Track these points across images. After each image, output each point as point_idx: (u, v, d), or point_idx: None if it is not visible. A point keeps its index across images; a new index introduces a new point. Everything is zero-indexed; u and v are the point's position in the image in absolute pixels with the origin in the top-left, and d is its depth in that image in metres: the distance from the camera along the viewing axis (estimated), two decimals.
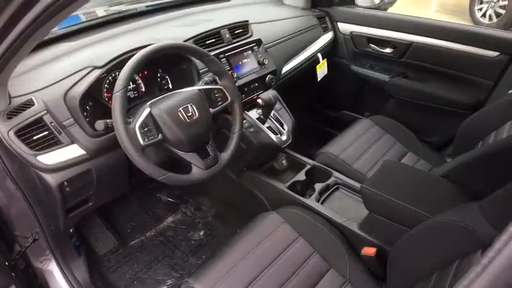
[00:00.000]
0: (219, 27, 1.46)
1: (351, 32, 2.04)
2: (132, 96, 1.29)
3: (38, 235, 1.26)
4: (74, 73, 1.08)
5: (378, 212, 1.22)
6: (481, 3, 4.84)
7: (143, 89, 1.32)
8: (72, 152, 1.07)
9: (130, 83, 1.27)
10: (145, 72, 1.32)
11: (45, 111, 1.02)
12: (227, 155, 1.18)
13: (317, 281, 1.17)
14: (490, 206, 0.83)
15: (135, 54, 1.08)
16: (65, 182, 1.08)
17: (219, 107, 1.18)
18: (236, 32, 1.52)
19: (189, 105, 1.08)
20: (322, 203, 1.45)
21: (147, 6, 1.57)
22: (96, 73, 1.08)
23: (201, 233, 1.74)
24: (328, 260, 1.21)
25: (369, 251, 1.22)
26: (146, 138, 0.99)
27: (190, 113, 1.07)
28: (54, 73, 1.08)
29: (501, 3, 4.61)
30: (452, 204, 1.09)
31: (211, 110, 1.16)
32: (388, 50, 1.96)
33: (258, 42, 1.54)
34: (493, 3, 4.70)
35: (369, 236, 1.26)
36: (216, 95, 1.18)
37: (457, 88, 1.80)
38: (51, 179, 1.05)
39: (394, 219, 1.19)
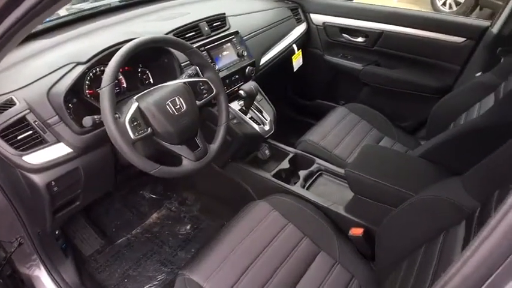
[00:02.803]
0: (198, 21, 1.46)
1: (324, 23, 2.09)
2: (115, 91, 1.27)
3: (23, 239, 1.23)
4: (56, 70, 1.05)
5: (363, 193, 1.28)
6: None
7: (125, 85, 1.30)
8: (58, 150, 1.05)
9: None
10: (126, 68, 1.30)
11: (28, 110, 0.99)
12: (216, 146, 1.19)
13: (308, 264, 1.20)
14: (471, 180, 0.90)
15: (118, 48, 1.07)
16: (53, 182, 1.06)
17: (205, 99, 1.19)
18: (214, 24, 1.52)
19: (176, 98, 1.08)
20: (307, 189, 1.50)
21: (120, 1, 1.55)
22: (80, 69, 1.06)
23: (188, 227, 1.74)
24: (318, 244, 1.25)
25: (357, 231, 1.28)
26: (136, 133, 0.99)
27: (178, 106, 1.08)
28: (34, 70, 1.05)
29: None
30: (433, 182, 1.16)
31: (198, 103, 1.17)
32: (360, 39, 2.03)
33: (236, 34, 1.56)
34: None
35: (355, 218, 1.31)
36: (202, 88, 1.19)
37: (427, 73, 1.90)
38: (38, 179, 1.03)
39: (378, 200, 1.24)
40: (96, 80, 1.18)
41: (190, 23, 1.43)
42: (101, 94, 0.95)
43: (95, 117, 1.02)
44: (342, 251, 1.26)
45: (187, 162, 1.10)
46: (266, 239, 1.24)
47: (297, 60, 2.04)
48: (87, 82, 1.16)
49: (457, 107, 1.59)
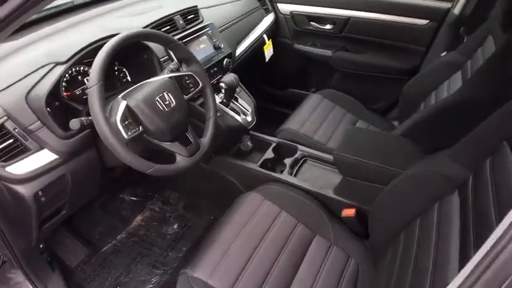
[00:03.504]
0: (172, 14, 1.42)
1: (291, 12, 2.11)
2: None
3: (6, 257, 1.15)
4: (34, 71, 0.98)
5: (352, 175, 1.32)
6: None
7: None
8: (43, 157, 0.99)
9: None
10: None
11: (6, 117, 0.92)
12: (207, 140, 1.17)
13: (305, 249, 1.23)
14: (461, 151, 0.95)
15: (99, 46, 1.02)
16: (40, 192, 0.99)
17: (192, 93, 1.16)
18: (188, 17, 1.49)
19: (164, 93, 1.05)
20: (295, 176, 1.52)
21: None
22: (60, 69, 1.00)
23: (175, 226, 1.71)
24: (312, 228, 1.28)
25: (349, 212, 1.32)
26: (129, 132, 0.95)
27: (168, 102, 1.05)
28: (9, 73, 0.97)
29: None
30: (417, 158, 1.22)
31: (185, 97, 1.14)
32: (328, 27, 2.07)
33: (212, 26, 1.53)
34: None
35: (346, 199, 1.35)
36: (188, 81, 1.16)
37: (394, 56, 1.98)
38: (24, 190, 0.96)
39: (368, 179, 1.29)
40: (74, 81, 1.12)
41: (165, 17, 1.39)
42: (90, 94, 0.90)
43: (82, 119, 0.97)
44: (336, 233, 1.29)
45: (181, 159, 1.07)
46: (262, 229, 1.24)
47: (268, 50, 2.04)
48: (63, 84, 1.10)
49: (426, 86, 1.67)
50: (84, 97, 1.16)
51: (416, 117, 1.43)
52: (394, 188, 1.13)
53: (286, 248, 1.21)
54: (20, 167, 0.94)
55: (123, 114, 0.96)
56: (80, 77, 1.15)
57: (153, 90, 1.04)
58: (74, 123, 0.96)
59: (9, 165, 0.92)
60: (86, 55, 1.07)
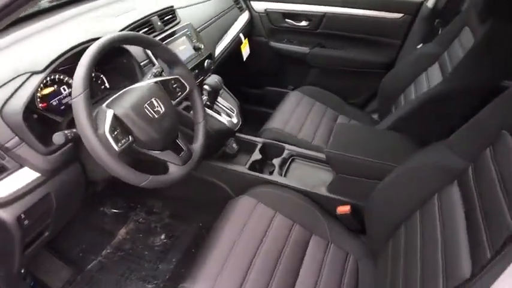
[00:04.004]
0: (149, 15, 1.35)
1: (266, 9, 2.09)
2: (69, 102, 1.12)
3: None
4: (7, 83, 0.89)
5: (346, 171, 1.31)
6: None
7: None
8: (23, 177, 0.90)
9: (66, 88, 1.11)
10: None
11: None
12: (199, 146, 1.12)
13: (304, 249, 1.21)
14: (458, 142, 0.96)
15: (78, 52, 0.95)
16: (23, 214, 0.90)
17: (179, 97, 1.11)
18: (165, 18, 1.43)
19: (153, 99, 0.99)
20: (285, 176, 1.50)
21: (50, 2, 1.36)
22: (37, 79, 0.92)
23: (162, 236, 1.64)
24: (308, 228, 1.26)
25: (344, 209, 1.31)
26: (119, 143, 0.89)
27: (157, 108, 0.99)
28: None
29: None
30: (408, 150, 1.23)
31: (172, 102, 1.09)
32: (303, 23, 2.06)
33: (190, 27, 1.47)
34: None
35: (340, 196, 1.34)
36: (174, 86, 1.10)
37: (371, 50, 2.00)
38: (5, 214, 0.87)
39: (362, 175, 1.29)
40: (48, 91, 1.04)
41: (142, 19, 1.32)
42: (74, 105, 0.83)
43: (66, 132, 0.89)
44: (332, 231, 1.28)
45: (175, 168, 1.02)
46: (259, 233, 1.21)
47: (245, 50, 2.01)
48: (38, 94, 1.01)
49: (404, 79, 1.70)
50: (62, 107, 1.08)
51: (402, 110, 1.45)
52: (390, 182, 1.14)
53: (285, 251, 1.18)
54: (0, 189, 0.86)
55: (112, 125, 0.89)
56: (55, 86, 1.06)
57: (141, 96, 0.98)
58: (58, 138, 0.88)
59: None
60: (66, 62, 0.99)
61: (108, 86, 1.25)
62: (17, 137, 0.88)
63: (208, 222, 1.71)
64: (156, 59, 1.25)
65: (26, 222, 0.92)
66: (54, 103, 1.07)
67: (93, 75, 1.21)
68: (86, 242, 1.57)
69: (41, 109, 1.02)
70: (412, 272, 0.90)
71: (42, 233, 1.05)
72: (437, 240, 0.87)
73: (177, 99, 1.10)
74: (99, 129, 0.87)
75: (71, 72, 1.12)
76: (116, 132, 0.89)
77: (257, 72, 2.34)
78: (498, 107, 0.86)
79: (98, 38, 0.93)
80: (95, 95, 1.18)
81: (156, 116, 0.98)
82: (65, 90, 1.10)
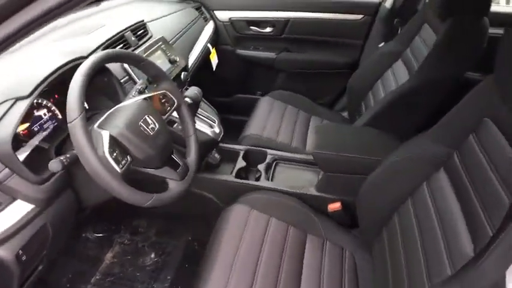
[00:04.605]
0: (122, 31, 1.32)
1: (230, 18, 2.11)
2: (51, 126, 1.07)
3: None
4: None
5: (334, 170, 1.36)
6: None
7: (60, 116, 1.11)
8: (17, 210, 0.85)
9: (46, 112, 1.06)
10: (56, 96, 1.11)
11: None
12: (193, 159, 1.11)
13: (302, 250, 1.23)
14: (441, 132, 1.04)
15: (63, 74, 0.91)
16: (20, 251, 0.85)
17: (169, 112, 1.10)
18: (138, 33, 1.40)
19: (146, 116, 0.97)
20: (272, 181, 1.52)
21: None
22: (23, 105, 0.87)
23: (152, 255, 1.60)
24: (303, 228, 1.29)
25: (335, 206, 1.36)
26: (120, 164, 0.86)
27: (151, 125, 0.97)
28: None
29: None
30: (388, 145, 1.30)
31: (163, 117, 1.07)
32: (268, 30, 2.11)
33: (163, 40, 1.46)
34: None
35: (329, 194, 1.39)
36: (163, 101, 1.09)
37: (334, 51, 2.09)
38: (4, 252, 0.82)
39: (349, 172, 1.34)
40: (29, 116, 0.99)
41: (116, 35, 1.29)
42: (72, 129, 0.80)
43: (62, 158, 0.86)
44: (325, 228, 1.32)
45: (174, 184, 1.01)
46: (257, 240, 1.22)
47: (214, 59, 2.02)
48: None
49: (370, 76, 1.80)
50: (44, 133, 1.03)
51: (375, 107, 1.53)
52: (378, 176, 1.19)
53: (285, 255, 1.20)
54: None
55: (110, 146, 0.86)
56: (35, 112, 1.01)
57: (134, 114, 0.96)
58: (55, 165, 0.84)
59: None
60: (56, 84, 0.96)
61: (87, 107, 1.20)
62: (7, 169, 0.83)
63: (198, 235, 1.70)
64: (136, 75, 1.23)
65: (23, 258, 0.87)
66: (36, 129, 1.02)
67: None
68: (72, 272, 1.49)
69: (20, 135, 0.97)
70: (414, 256, 0.95)
71: (36, 267, 1.00)
72: (434, 223, 0.93)
73: (167, 114, 1.09)
74: (98, 151, 0.85)
75: (49, 96, 1.08)
76: (115, 154, 0.87)
77: (226, 81, 2.35)
78: (477, 97, 0.93)
79: (78, 59, 0.90)
80: None
81: (151, 133, 0.96)
82: (45, 114, 1.06)
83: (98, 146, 0.86)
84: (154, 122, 0.99)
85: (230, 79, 2.34)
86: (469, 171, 0.90)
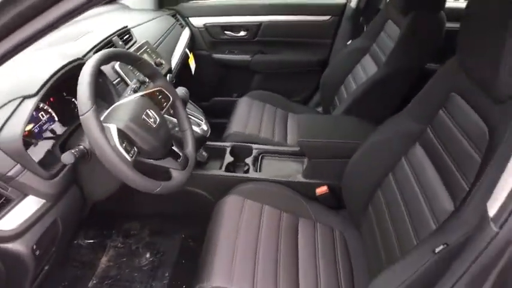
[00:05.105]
0: (110, 36, 1.37)
1: (205, 24, 2.19)
2: (49, 127, 1.10)
3: None
4: None
5: (318, 156, 1.46)
6: None
7: (56, 118, 1.14)
8: (30, 205, 0.88)
9: (44, 114, 1.09)
10: (52, 99, 1.14)
11: None
12: (191, 150, 1.17)
13: (296, 233, 1.31)
14: (412, 110, 1.16)
15: (66, 73, 0.95)
16: (35, 245, 0.88)
17: (166, 108, 1.15)
18: (124, 38, 1.45)
19: (147, 110, 1.03)
20: (260, 172, 1.60)
21: None
22: (31, 103, 0.90)
23: (147, 255, 1.62)
24: (294, 213, 1.37)
25: (322, 189, 1.46)
26: (129, 154, 0.91)
27: (153, 118, 1.03)
28: None
29: None
30: (370, 128, 1.42)
31: (161, 112, 1.13)
32: (242, 34, 2.21)
33: (148, 44, 1.52)
34: None
35: (316, 180, 1.48)
36: (159, 97, 1.14)
37: (306, 51, 2.22)
38: (20, 246, 0.84)
39: (333, 156, 1.44)
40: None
41: (104, 40, 1.33)
42: (85, 120, 0.84)
43: (73, 151, 0.89)
44: (315, 212, 1.41)
45: (177, 173, 1.06)
46: (254, 227, 1.28)
47: (192, 63, 2.08)
48: None
49: (341, 72, 1.93)
50: (43, 134, 1.06)
51: (350, 97, 1.66)
52: (360, 157, 1.30)
53: (281, 238, 1.26)
54: (10, 221, 0.83)
55: (119, 138, 0.91)
56: (34, 114, 1.04)
57: (135, 109, 1.01)
58: (68, 157, 0.88)
59: None
60: (60, 83, 0.99)
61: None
62: (18, 165, 0.86)
63: (191, 232, 1.74)
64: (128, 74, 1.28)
65: (37, 252, 0.90)
66: (36, 130, 1.04)
67: (65, 99, 1.19)
68: (68, 279, 1.49)
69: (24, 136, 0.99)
70: (401, 221, 1.06)
71: (43, 268, 1.01)
72: (415, 190, 1.04)
73: (164, 110, 1.15)
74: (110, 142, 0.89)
75: (45, 99, 1.11)
76: (124, 145, 0.92)
77: (203, 85, 2.42)
78: (443, 76, 1.07)
79: (75, 60, 0.95)
80: (72, 120, 1.17)
81: (154, 126, 1.02)
82: (43, 116, 1.08)
83: (108, 138, 0.90)
84: (155, 115, 1.05)
85: (207, 83, 2.41)
86: (442, 140, 1.02)
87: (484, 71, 0.84)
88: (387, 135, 1.23)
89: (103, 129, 0.85)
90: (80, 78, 0.88)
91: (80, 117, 0.85)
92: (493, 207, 0.59)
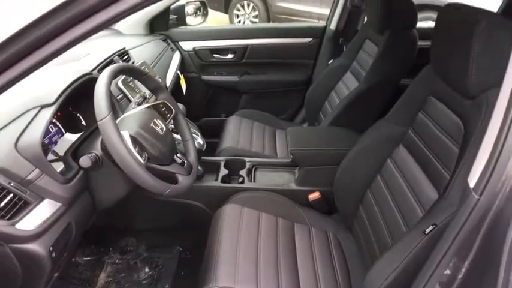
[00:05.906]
0: (111, 56, 1.45)
1: (194, 48, 2.31)
2: (58, 139, 1.16)
3: None
4: (17, 118, 0.92)
5: (310, 163, 1.55)
6: (237, 16, 5.98)
7: (64, 131, 1.20)
8: (47, 208, 0.93)
9: (53, 127, 1.14)
10: (59, 113, 1.20)
11: None
12: (194, 158, 1.24)
13: (292, 237, 1.37)
14: (394, 115, 1.28)
15: (79, 85, 1.02)
16: (51, 247, 0.91)
17: (169, 119, 1.23)
18: (123, 58, 1.54)
19: (155, 119, 1.10)
20: (255, 182, 1.67)
21: None
22: (49, 112, 0.96)
23: (146, 269, 1.64)
24: (289, 219, 1.44)
25: (314, 195, 1.54)
26: (142, 157, 0.98)
27: (160, 126, 1.10)
28: None
29: (253, 14, 5.86)
30: (351, 137, 1.53)
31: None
32: (230, 56, 2.34)
33: (146, 64, 1.60)
34: (246, 15, 5.91)
35: (309, 187, 1.57)
36: (163, 109, 1.22)
37: (290, 71, 2.37)
38: (39, 247, 0.88)
39: (323, 164, 1.54)
40: None
41: (106, 59, 1.41)
42: (103, 125, 0.91)
43: (89, 155, 0.95)
44: (308, 217, 1.48)
45: (183, 178, 1.13)
46: (253, 233, 1.33)
47: (184, 85, 2.18)
48: None
49: (325, 89, 2.07)
50: (53, 146, 1.11)
51: (335, 110, 1.78)
52: (348, 162, 1.40)
53: (279, 242, 1.31)
54: (29, 222, 0.87)
55: (132, 143, 0.98)
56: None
57: (144, 118, 1.08)
58: (85, 161, 0.94)
59: (18, 221, 0.85)
60: (73, 94, 1.06)
61: (84, 124, 1.29)
62: (37, 169, 0.91)
63: (188, 245, 1.77)
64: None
65: (53, 254, 0.93)
66: (46, 141, 1.09)
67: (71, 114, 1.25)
68: None
69: None
70: (392, 216, 1.15)
71: (53, 275, 1.04)
72: (402, 186, 1.14)
73: (168, 121, 1.22)
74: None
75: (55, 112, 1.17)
76: (136, 149, 0.99)
77: (193, 106, 2.50)
78: (420, 82, 1.20)
79: (86, 75, 1.03)
80: (78, 132, 1.22)
81: (161, 133, 1.09)
82: (52, 129, 1.14)
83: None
84: (162, 124, 1.12)
85: (197, 104, 2.50)
86: (423, 139, 1.13)
87: (456, 73, 0.97)
88: (372, 140, 1.34)
89: (120, 134, 0.92)
90: (96, 87, 0.96)
91: (98, 122, 0.92)
92: (472, 180, 0.68)
